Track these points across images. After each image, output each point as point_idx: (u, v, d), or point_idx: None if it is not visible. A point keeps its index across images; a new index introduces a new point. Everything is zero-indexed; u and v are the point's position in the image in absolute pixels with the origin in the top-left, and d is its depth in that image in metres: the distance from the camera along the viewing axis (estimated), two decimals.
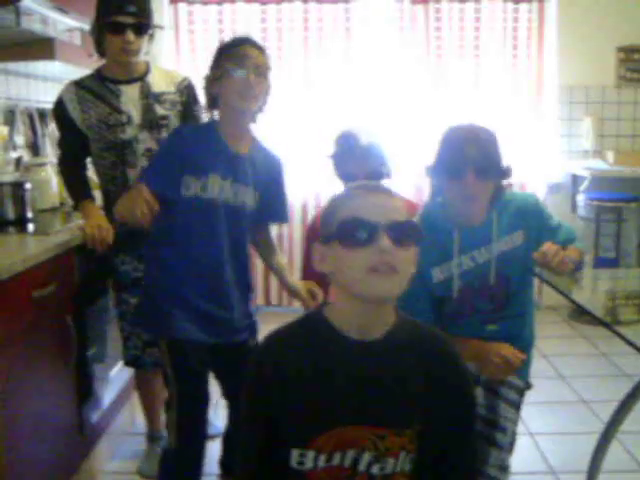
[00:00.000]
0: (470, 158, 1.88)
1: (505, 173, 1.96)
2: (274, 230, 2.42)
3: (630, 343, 1.71)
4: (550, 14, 4.84)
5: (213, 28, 4.78)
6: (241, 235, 2.19)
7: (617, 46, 4.89)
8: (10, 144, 3.14)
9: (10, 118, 3.19)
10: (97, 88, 2.54)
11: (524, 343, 2.07)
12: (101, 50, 2.55)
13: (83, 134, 2.55)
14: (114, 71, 2.55)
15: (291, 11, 4.74)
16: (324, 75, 4.78)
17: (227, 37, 2.20)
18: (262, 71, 2.08)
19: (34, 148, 3.37)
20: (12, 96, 3.27)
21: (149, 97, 2.55)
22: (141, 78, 2.57)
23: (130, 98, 2.54)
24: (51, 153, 3.49)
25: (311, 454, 1.32)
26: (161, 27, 2.62)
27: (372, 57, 4.89)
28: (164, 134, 2.52)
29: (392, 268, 1.28)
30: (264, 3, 4.75)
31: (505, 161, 1.97)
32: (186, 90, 2.63)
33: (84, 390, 2.57)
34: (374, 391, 1.33)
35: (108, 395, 2.83)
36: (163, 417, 2.64)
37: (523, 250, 2.00)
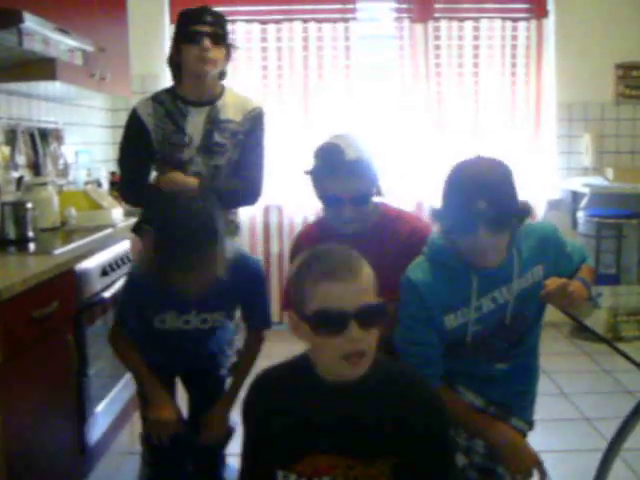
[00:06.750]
0: (480, 212, 1.67)
1: (522, 216, 1.77)
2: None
3: (632, 360, 1.70)
4: (548, 32, 4.87)
5: None
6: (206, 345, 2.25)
7: (615, 63, 4.91)
8: (11, 164, 3.15)
9: (11, 138, 3.20)
10: (169, 104, 2.56)
11: (531, 380, 2.02)
12: (178, 74, 2.57)
13: (153, 149, 2.54)
14: (188, 91, 2.56)
15: (291, 30, 4.76)
16: (323, 94, 4.79)
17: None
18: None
19: (35, 168, 3.39)
20: (13, 116, 3.28)
21: (213, 123, 2.54)
22: (212, 102, 2.57)
23: (196, 121, 2.54)
24: (52, 172, 3.51)
25: (293, 477, 1.44)
26: (236, 46, 2.62)
27: (372, 76, 4.91)
28: (219, 161, 2.54)
29: (362, 354, 1.36)
30: (264, 22, 4.78)
31: (520, 199, 1.76)
32: (252, 120, 2.60)
33: (84, 410, 2.56)
34: (346, 425, 1.41)
35: (108, 415, 2.82)
36: None
37: (542, 285, 1.84)
